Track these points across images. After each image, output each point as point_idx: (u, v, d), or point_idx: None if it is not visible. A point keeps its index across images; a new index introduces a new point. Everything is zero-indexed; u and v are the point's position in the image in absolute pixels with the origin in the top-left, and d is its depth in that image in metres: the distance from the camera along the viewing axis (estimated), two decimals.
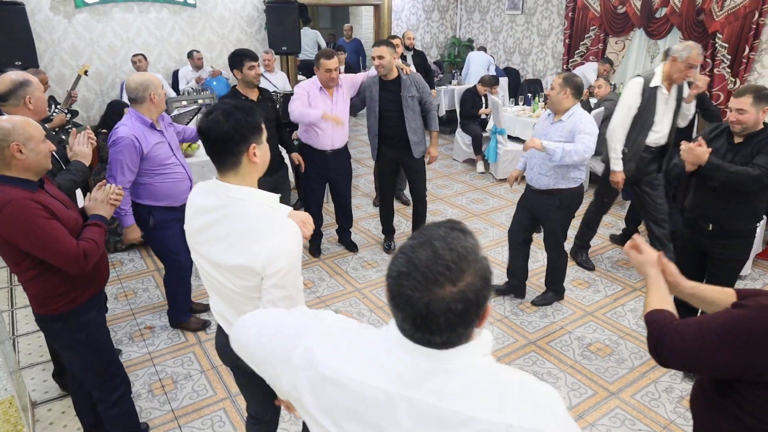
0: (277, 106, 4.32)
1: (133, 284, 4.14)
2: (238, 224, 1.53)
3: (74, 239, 1.94)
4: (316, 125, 4.05)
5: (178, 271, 3.33)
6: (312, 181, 4.38)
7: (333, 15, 13.38)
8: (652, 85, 3.74)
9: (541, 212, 3.54)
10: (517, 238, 3.72)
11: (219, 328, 1.87)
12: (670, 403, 2.91)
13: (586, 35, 7.59)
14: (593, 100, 6.00)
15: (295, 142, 4.47)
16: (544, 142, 3.23)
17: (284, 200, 4.09)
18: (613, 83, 6.62)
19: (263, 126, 1.57)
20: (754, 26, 5.79)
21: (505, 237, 4.24)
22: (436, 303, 0.83)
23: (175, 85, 6.84)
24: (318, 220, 4.59)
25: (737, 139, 2.78)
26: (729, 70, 6.11)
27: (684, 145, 2.76)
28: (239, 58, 3.66)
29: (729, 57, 6.06)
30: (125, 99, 3.91)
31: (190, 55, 6.65)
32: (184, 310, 3.52)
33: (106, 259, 2.19)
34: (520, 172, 3.70)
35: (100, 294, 2.24)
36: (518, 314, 3.71)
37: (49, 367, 3.13)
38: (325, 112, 3.97)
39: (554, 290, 3.81)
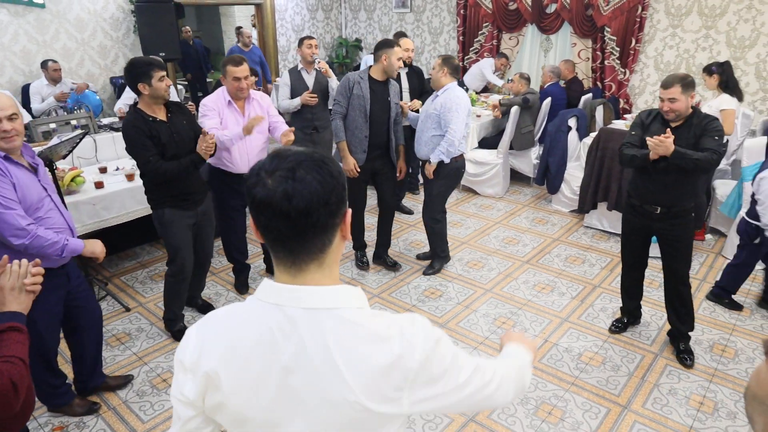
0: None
1: None
2: (339, 353, 0.91)
3: None
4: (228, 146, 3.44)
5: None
6: (231, 209, 3.73)
7: (198, 15, 12.19)
8: None
9: (425, 178, 3.97)
10: None
11: None
12: (680, 406, 2.82)
13: (480, 32, 7.63)
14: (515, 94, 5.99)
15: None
16: (431, 156, 3.77)
17: (208, 238, 3.41)
18: (509, 78, 6.72)
19: None
20: (638, 19, 6.17)
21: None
22: None
23: (26, 103, 5.59)
24: (241, 252, 3.95)
25: (674, 123, 2.85)
26: (618, 62, 6.46)
27: (654, 138, 2.75)
28: (145, 69, 2.85)
29: (618, 49, 6.41)
30: None
31: (44, 65, 5.46)
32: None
33: (32, 387, 1.44)
34: None
35: None
36: (497, 333, 3.45)
37: None
38: (250, 122, 3.36)
39: (438, 257, 4.17)
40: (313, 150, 0.94)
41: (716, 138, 2.75)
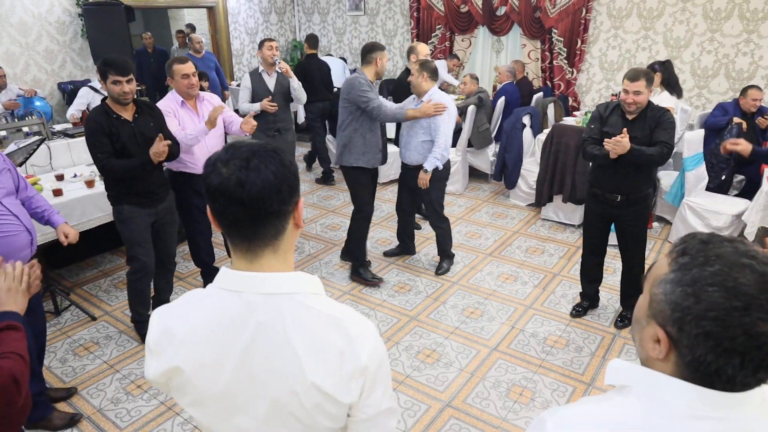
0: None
1: None
2: (297, 336, 0.96)
3: None
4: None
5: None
6: (195, 210, 3.71)
7: (146, 18, 11.87)
8: None
9: (416, 186, 3.91)
10: (405, 211, 4.30)
11: None
12: None
13: (433, 34, 7.82)
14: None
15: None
16: (426, 164, 3.79)
17: (170, 237, 3.38)
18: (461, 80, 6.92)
19: None
20: (582, 21, 6.50)
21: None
22: None
23: None
24: (209, 254, 3.93)
25: (630, 116, 3.05)
26: (566, 62, 6.78)
27: (611, 140, 2.95)
28: (103, 69, 2.87)
29: (565, 50, 6.72)
30: None
31: None
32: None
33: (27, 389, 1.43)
34: None
35: None
36: (467, 323, 3.58)
37: None
38: (212, 114, 3.37)
39: (447, 256, 4.24)
40: (266, 142, 0.99)
41: (668, 130, 2.96)
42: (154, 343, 1.02)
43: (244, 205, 0.92)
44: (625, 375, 0.83)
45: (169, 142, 3.03)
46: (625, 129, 2.98)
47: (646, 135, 3.01)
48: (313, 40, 6.32)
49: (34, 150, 3.45)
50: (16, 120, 4.51)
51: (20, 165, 3.46)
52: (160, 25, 11.26)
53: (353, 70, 8.22)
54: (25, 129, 4.26)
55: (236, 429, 1.02)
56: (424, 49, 4.46)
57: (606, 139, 3.01)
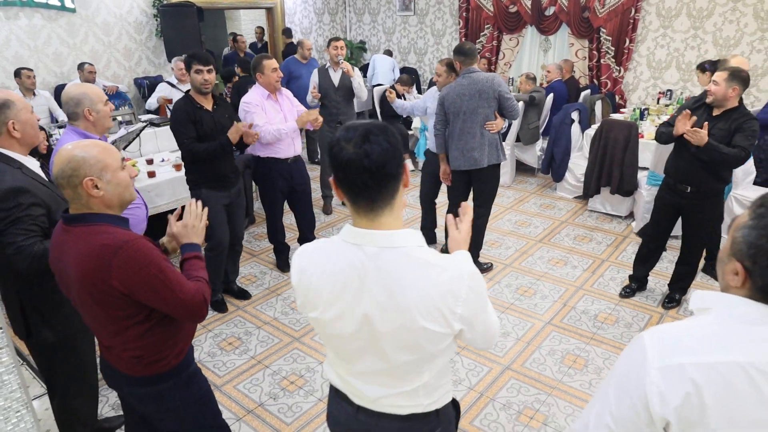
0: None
1: None
2: (407, 281, 1.20)
3: (190, 282, 1.61)
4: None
5: None
6: (277, 192, 4.11)
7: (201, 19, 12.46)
8: None
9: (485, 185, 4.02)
10: (429, 201, 4.59)
11: (340, 399, 1.48)
12: None
13: (482, 33, 8.08)
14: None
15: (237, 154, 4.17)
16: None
17: (239, 220, 3.77)
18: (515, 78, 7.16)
19: None
20: (631, 21, 6.66)
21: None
22: None
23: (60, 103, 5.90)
24: (282, 234, 4.33)
25: (715, 112, 3.18)
26: (614, 60, 6.94)
27: (692, 129, 3.08)
28: (188, 60, 3.30)
29: (613, 48, 6.89)
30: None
31: (80, 67, 5.79)
32: None
33: None
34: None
35: None
36: (521, 300, 3.86)
37: None
38: (303, 119, 3.80)
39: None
40: (374, 121, 1.25)
41: (749, 137, 3.02)
42: (295, 282, 1.33)
43: (371, 172, 1.15)
44: (707, 299, 1.06)
45: (251, 125, 3.47)
46: (706, 123, 3.12)
47: (724, 135, 3.08)
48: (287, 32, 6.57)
49: (136, 136, 3.89)
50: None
51: (124, 149, 3.91)
52: (214, 25, 11.76)
53: (402, 69, 8.57)
54: (119, 118, 4.76)
55: (354, 353, 1.32)
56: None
57: (686, 126, 3.10)
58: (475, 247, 4.20)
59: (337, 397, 1.48)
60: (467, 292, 1.21)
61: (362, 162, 1.14)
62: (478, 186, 4.02)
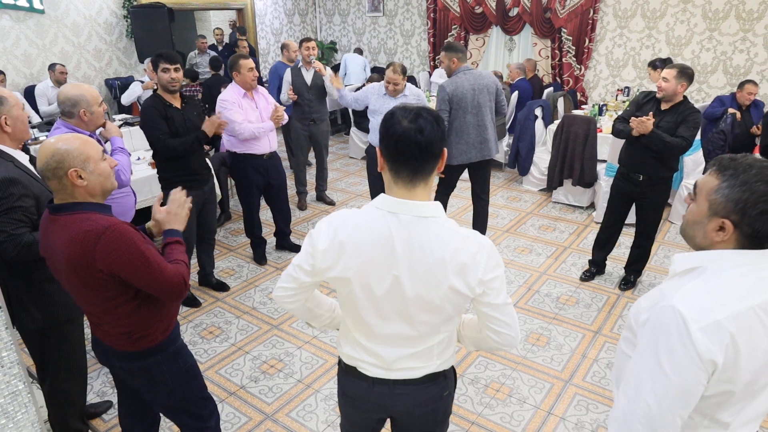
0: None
1: None
2: (438, 247, 1.33)
3: (170, 264, 1.75)
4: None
5: None
6: (253, 188, 4.23)
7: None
8: None
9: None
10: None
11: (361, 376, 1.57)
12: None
13: (449, 33, 8.32)
14: None
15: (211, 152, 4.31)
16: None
17: (211, 215, 3.89)
18: None
19: None
20: (590, 21, 6.98)
21: None
22: None
23: (32, 104, 5.89)
24: (259, 228, 4.45)
25: (664, 106, 3.45)
26: (575, 59, 7.26)
27: (637, 119, 3.35)
28: (156, 59, 3.38)
29: (573, 48, 7.21)
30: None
31: (51, 68, 5.79)
32: None
33: None
34: None
35: None
36: None
37: None
38: (276, 117, 3.97)
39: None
40: (422, 104, 1.44)
41: (691, 129, 3.28)
42: (324, 246, 1.38)
43: (421, 146, 1.29)
44: (694, 259, 1.19)
45: (226, 120, 3.63)
46: (651, 113, 3.38)
47: (671, 126, 3.35)
48: (216, 62, 6.60)
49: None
50: None
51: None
52: (184, 26, 11.72)
53: (373, 69, 8.75)
54: None
55: (379, 315, 1.43)
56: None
57: (633, 117, 3.40)
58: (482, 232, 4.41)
59: (348, 375, 1.58)
60: (487, 259, 1.35)
61: (415, 136, 1.28)
62: (479, 175, 4.27)
